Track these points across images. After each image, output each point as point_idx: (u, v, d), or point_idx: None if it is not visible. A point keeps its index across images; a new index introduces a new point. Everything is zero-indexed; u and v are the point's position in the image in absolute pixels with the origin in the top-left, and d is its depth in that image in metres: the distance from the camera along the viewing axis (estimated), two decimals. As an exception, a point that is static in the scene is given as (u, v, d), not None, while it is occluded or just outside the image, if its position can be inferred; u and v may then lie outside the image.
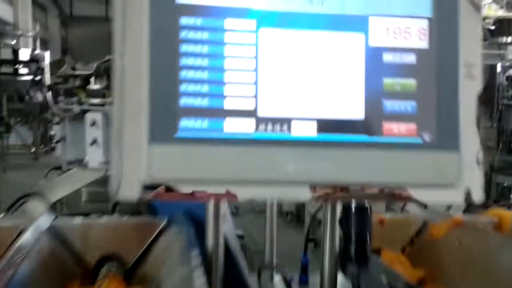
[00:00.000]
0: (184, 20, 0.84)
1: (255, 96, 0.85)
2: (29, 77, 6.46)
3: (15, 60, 7.36)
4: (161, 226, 1.26)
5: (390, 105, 0.88)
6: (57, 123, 3.97)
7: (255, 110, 0.85)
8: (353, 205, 1.02)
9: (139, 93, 0.81)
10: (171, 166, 0.81)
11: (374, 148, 0.86)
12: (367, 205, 1.04)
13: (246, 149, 0.83)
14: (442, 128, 0.88)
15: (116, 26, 0.84)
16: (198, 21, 0.85)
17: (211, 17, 0.85)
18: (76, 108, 3.76)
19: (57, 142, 3.96)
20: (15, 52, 7.67)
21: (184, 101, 0.83)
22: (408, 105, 0.88)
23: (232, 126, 0.84)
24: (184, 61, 0.83)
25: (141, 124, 0.81)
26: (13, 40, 8.73)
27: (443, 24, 0.90)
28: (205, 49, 0.84)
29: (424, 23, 0.91)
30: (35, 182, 3.75)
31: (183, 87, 0.83)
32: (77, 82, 4.22)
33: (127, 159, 0.80)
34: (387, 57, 0.89)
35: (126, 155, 0.81)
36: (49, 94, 4.40)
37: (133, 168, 0.80)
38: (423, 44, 0.90)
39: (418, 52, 0.90)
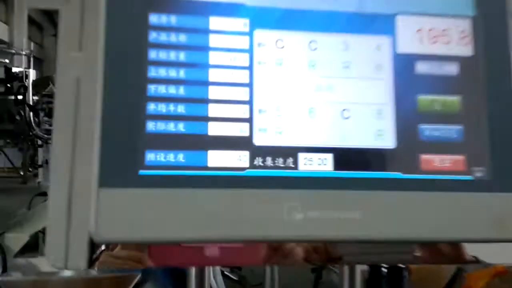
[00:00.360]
0: (154, 18, 0.63)
1: (250, 119, 0.63)
2: (19, 97, 6.26)
3: (7, 79, 7.16)
4: (135, 282, 1.02)
5: (428, 130, 0.66)
6: (40, 146, 3.76)
7: (250, 138, 0.63)
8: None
9: (92, 116, 0.60)
10: (131, 220, 0.58)
11: (411, 190, 0.64)
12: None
13: (238, 192, 0.61)
14: (498, 160, 0.66)
15: (64, 22, 0.63)
16: (173, 19, 0.64)
17: (190, 15, 0.64)
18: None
19: (39, 166, 3.75)
20: (8, 70, 7.47)
21: (151, 126, 0.61)
22: (452, 130, 0.66)
23: (219, 160, 0.62)
24: (153, 72, 0.62)
25: (92, 160, 0.59)
26: (6, 59, 8.56)
27: (490, 24, 0.69)
28: (182, 56, 0.63)
29: (466, 24, 0.70)
30: (21, 208, 3.56)
31: (151, 107, 0.61)
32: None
33: (74, 213, 0.59)
34: (422, 67, 0.68)
35: (73, 206, 0.59)
36: (32, 115, 4.21)
37: (82, 225, 0.58)
38: (467, 50, 0.69)
39: (460, 60, 0.68)
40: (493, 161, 0.66)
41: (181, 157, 0.61)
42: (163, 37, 0.63)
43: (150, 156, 0.60)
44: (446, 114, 0.67)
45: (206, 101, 0.63)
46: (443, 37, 0.69)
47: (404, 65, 0.67)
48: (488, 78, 0.68)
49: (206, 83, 0.63)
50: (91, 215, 0.57)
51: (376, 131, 0.65)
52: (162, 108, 0.61)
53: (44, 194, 3.66)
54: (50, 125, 3.73)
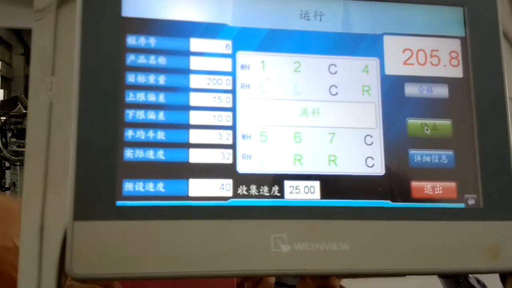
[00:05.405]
0: (132, 40, 0.60)
1: (233, 145, 0.60)
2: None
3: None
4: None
5: (419, 156, 0.63)
6: (8, 168, 3.67)
7: (233, 165, 0.60)
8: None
9: (65, 143, 0.57)
10: (109, 255, 0.54)
11: (401, 219, 0.61)
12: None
13: (221, 224, 0.57)
14: (490, 186, 0.64)
15: (37, 45, 0.59)
16: (151, 40, 0.61)
17: (170, 36, 0.61)
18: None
19: (6, 189, 3.65)
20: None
21: (129, 154, 0.57)
22: (443, 156, 0.64)
23: (201, 189, 0.58)
24: (131, 96, 0.59)
25: (66, 190, 0.55)
26: (-27, 79, 8.44)
27: (481, 45, 0.67)
28: (161, 79, 0.60)
29: (456, 44, 0.68)
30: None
31: (129, 134, 0.58)
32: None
33: (48, 249, 0.55)
34: (411, 90, 0.65)
35: (47, 243, 0.55)
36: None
37: (53, 260, 0.54)
38: (457, 72, 0.67)
39: (450, 82, 0.66)
40: (485, 188, 0.63)
41: (160, 186, 0.57)
42: (141, 59, 0.60)
43: (128, 186, 0.57)
44: (436, 139, 0.64)
45: (187, 126, 0.59)
46: (432, 58, 0.67)
47: (392, 87, 0.65)
48: (479, 101, 0.65)
49: (187, 108, 0.60)
50: (67, 249, 0.54)
51: (365, 157, 0.63)
52: (140, 134, 0.58)
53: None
54: (18, 146, 3.66)
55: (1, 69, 9.70)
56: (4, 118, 4.23)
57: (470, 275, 1.07)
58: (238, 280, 1.10)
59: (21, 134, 3.82)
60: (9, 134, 4.34)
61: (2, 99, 5.11)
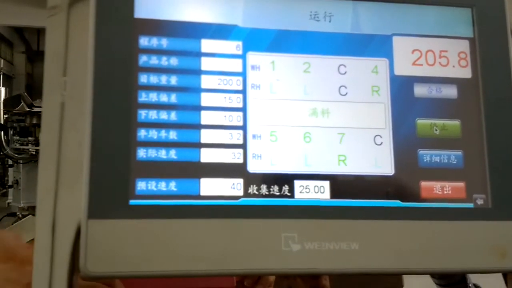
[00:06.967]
0: (145, 41, 0.60)
1: (244, 145, 0.61)
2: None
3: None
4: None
5: (428, 156, 0.64)
6: (10, 166, 3.67)
7: (244, 165, 0.60)
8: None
9: (79, 143, 0.57)
10: (122, 253, 0.55)
11: (410, 219, 0.61)
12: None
13: (232, 222, 0.58)
14: (499, 186, 0.64)
15: (50, 46, 0.60)
16: (163, 42, 0.61)
17: (182, 37, 0.62)
18: (32, 149, 3.47)
19: (9, 186, 3.65)
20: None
21: (142, 154, 0.58)
22: (452, 156, 0.64)
23: (212, 189, 0.59)
24: (143, 96, 0.59)
25: (79, 189, 0.56)
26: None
27: (489, 45, 0.68)
28: (173, 80, 0.60)
29: (464, 45, 0.68)
30: (-11, 229, 3.46)
31: (141, 134, 0.58)
32: (34, 120, 3.90)
33: (60, 247, 0.55)
34: (420, 90, 0.66)
35: (59, 241, 0.55)
36: (2, 134, 4.11)
37: (65, 260, 0.55)
38: (465, 72, 0.67)
39: (459, 83, 0.67)
40: (494, 188, 0.64)
41: (173, 185, 0.58)
42: (153, 60, 0.60)
43: (141, 185, 0.57)
44: (445, 139, 0.64)
45: (198, 126, 0.60)
46: (441, 59, 0.67)
47: (402, 87, 0.65)
48: (487, 101, 0.66)
49: (198, 108, 0.60)
50: (81, 248, 0.54)
51: (374, 157, 0.63)
52: (153, 134, 0.58)
53: (14, 214, 3.57)
54: (21, 144, 3.66)
55: (2, 67, 9.71)
56: (6, 116, 4.23)
57: (470, 284, 1.07)
58: (238, 278, 1.10)
59: (24, 132, 3.82)
60: (11, 132, 4.33)
61: (4, 97, 5.11)
